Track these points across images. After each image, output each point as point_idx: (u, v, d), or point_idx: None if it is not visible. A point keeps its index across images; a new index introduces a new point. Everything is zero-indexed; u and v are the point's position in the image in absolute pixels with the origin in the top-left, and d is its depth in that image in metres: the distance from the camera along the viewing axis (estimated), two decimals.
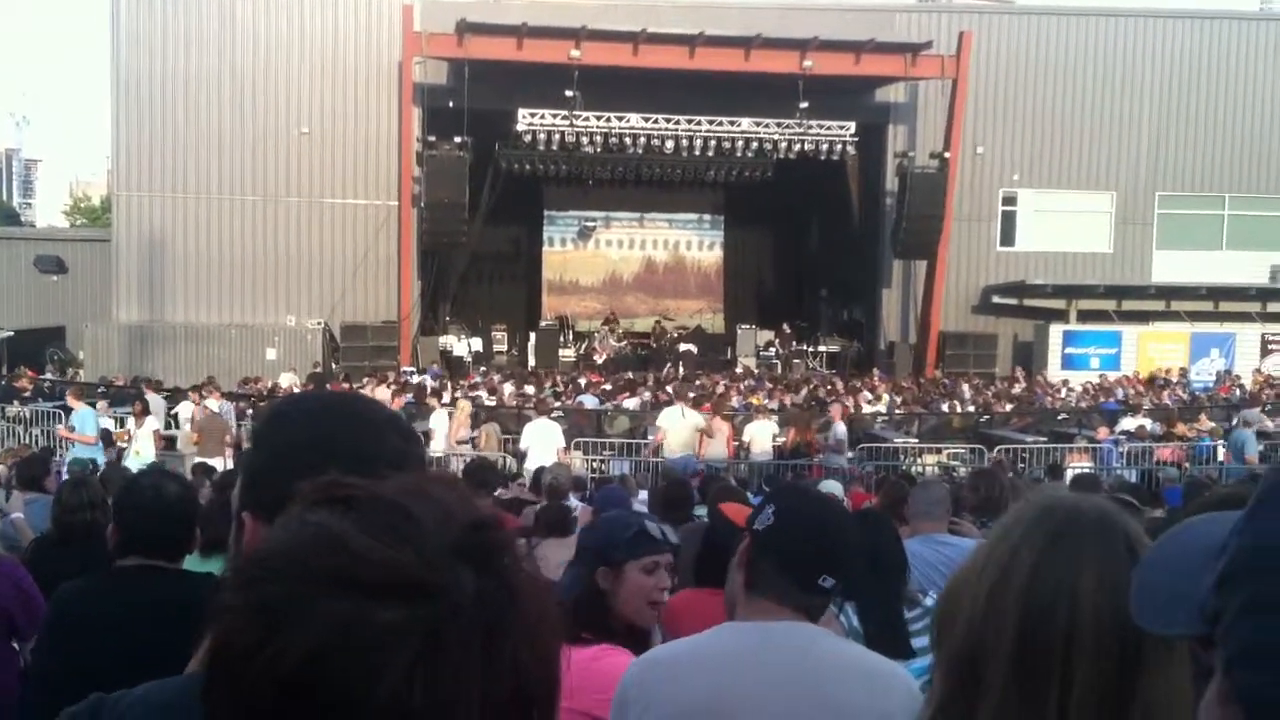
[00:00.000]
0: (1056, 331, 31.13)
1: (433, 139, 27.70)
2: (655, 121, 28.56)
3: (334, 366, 28.67)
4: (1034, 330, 31.91)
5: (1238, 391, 26.53)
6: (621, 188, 33.71)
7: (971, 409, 23.97)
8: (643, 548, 3.04)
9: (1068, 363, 30.58)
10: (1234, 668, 0.80)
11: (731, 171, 31.17)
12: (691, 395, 18.82)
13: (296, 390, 20.22)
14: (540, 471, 10.89)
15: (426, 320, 30.49)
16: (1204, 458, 18.67)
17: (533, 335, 32.16)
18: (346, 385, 22.85)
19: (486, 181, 29.72)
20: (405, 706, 0.78)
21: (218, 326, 29.27)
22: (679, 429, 16.57)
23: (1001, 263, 32.33)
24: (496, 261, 35.86)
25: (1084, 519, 1.29)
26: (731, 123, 28.79)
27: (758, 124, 28.76)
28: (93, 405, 16.82)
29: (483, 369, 29.40)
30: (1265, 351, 30.98)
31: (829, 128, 28.72)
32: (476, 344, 31.11)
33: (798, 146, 28.86)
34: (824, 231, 35.47)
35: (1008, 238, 32.58)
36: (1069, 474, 14.23)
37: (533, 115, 27.86)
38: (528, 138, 28.20)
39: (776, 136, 28.76)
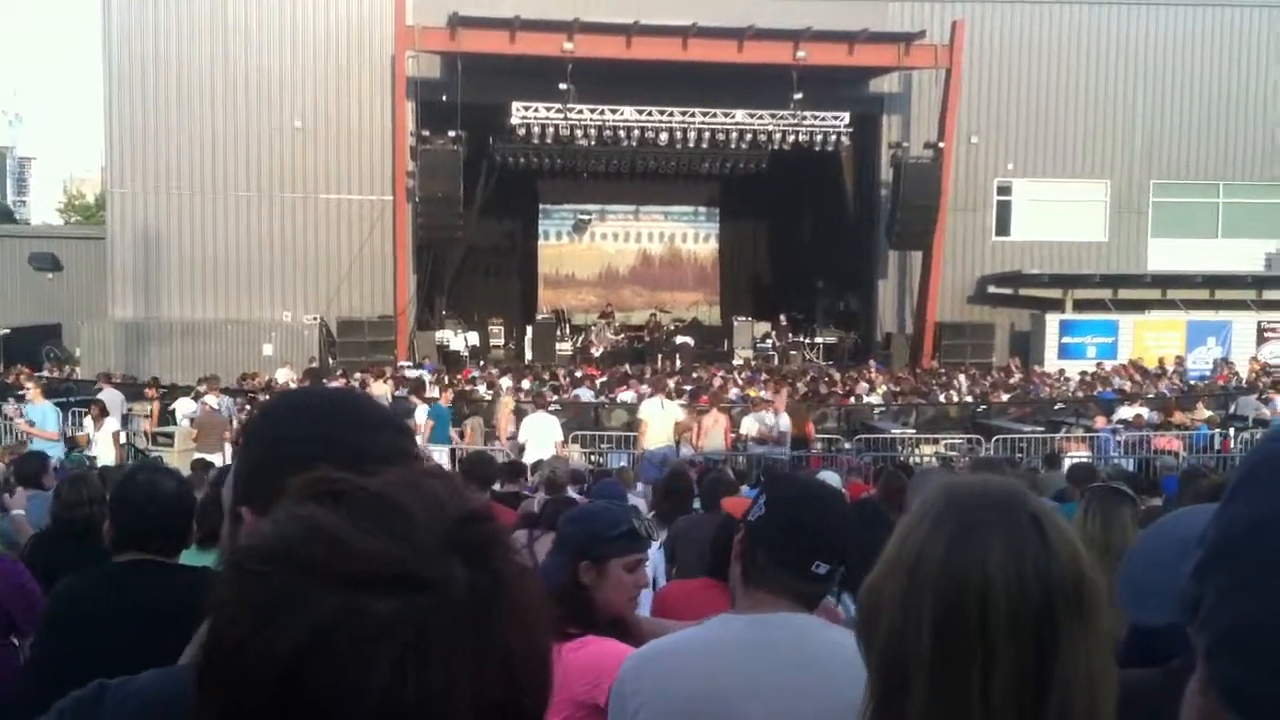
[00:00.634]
0: (1053, 321, 31.13)
1: (426, 133, 27.68)
2: (649, 114, 28.51)
3: (330, 362, 28.61)
4: (1030, 320, 31.92)
5: (1234, 380, 26.55)
6: (616, 180, 33.68)
7: (969, 399, 23.98)
8: (629, 546, 3.03)
9: (1064, 352, 30.58)
10: (1211, 655, 0.80)
11: (726, 163, 31.15)
12: (688, 387, 18.81)
13: (293, 386, 20.23)
14: (539, 465, 10.91)
15: (423, 315, 30.45)
16: (1201, 446, 18.68)
17: (529, 329, 32.13)
18: (344, 381, 22.83)
19: (481, 175, 29.69)
20: (397, 698, 0.78)
21: (214, 323, 29.23)
22: (660, 420, 16.54)
23: (997, 252, 32.32)
24: (492, 255, 35.81)
25: (987, 501, 1.27)
26: (725, 114, 28.74)
27: (751, 115, 28.72)
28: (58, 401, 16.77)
29: (481, 363, 29.40)
30: (1261, 339, 30.98)
31: (823, 118, 28.68)
32: (473, 338, 31.08)
33: (792, 138, 28.83)
34: (819, 223, 35.44)
35: (1003, 227, 32.56)
36: (1066, 463, 14.24)
37: (526, 108, 27.82)
38: (521, 131, 28.15)
39: (770, 128, 28.72)
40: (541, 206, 36.18)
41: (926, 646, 1.22)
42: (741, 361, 30.37)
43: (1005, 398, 24.09)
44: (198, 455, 15.13)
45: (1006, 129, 31.90)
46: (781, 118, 28.50)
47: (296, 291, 29.91)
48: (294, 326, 29.55)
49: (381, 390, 20.30)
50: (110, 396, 18.19)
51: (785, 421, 17.15)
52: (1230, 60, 32.62)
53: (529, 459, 14.50)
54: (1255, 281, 32.25)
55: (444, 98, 27.29)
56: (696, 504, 7.94)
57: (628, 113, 28.39)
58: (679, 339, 31.59)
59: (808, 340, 32.68)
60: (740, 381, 24.54)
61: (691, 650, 2.39)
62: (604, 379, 24.85)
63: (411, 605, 0.81)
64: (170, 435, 17.68)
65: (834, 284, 34.83)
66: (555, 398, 21.37)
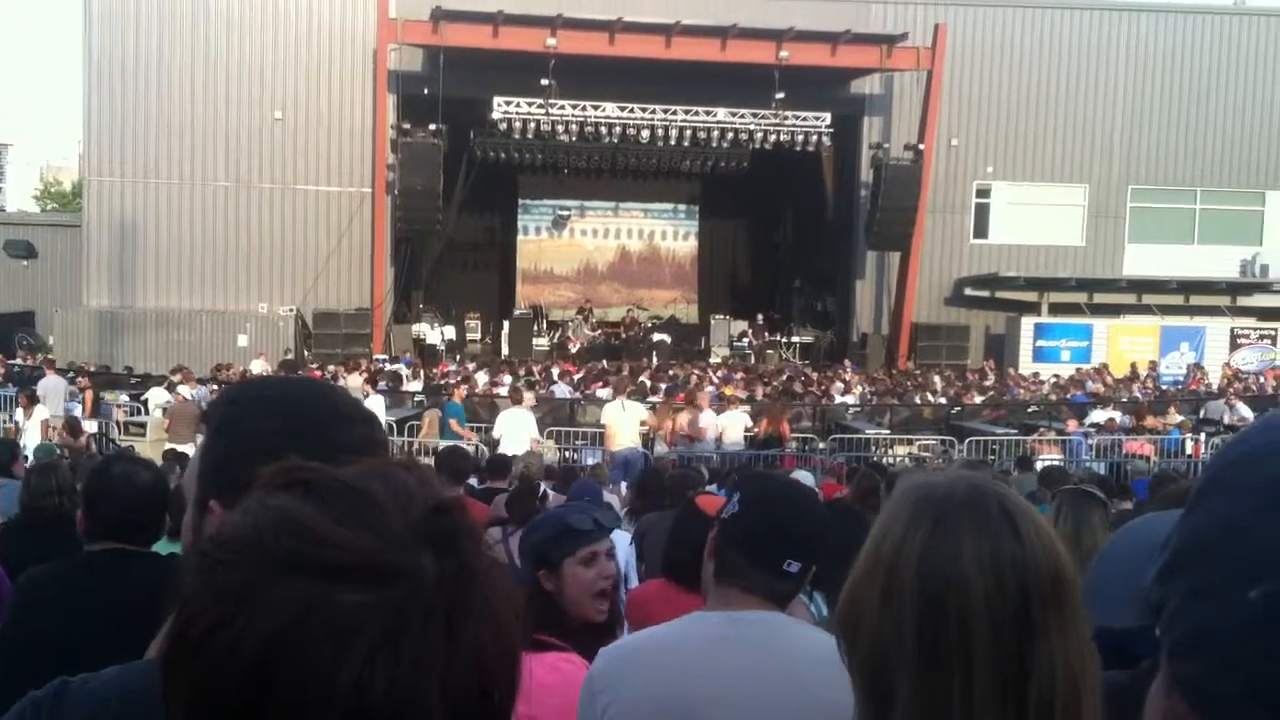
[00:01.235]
0: (1028, 324, 31.27)
1: (407, 126, 27.61)
2: (631, 111, 28.51)
3: (306, 354, 28.53)
4: (1006, 323, 32.08)
5: (1203, 387, 26.73)
6: (596, 177, 33.68)
7: (943, 401, 24.07)
8: (573, 543, 3.02)
9: (1039, 355, 30.74)
10: (1175, 656, 0.81)
11: (707, 162, 31.17)
12: (664, 385, 18.79)
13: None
14: (513, 460, 10.88)
15: (400, 308, 30.39)
16: (1172, 451, 18.82)
17: (506, 324, 32.05)
18: (319, 373, 22.74)
19: (461, 169, 29.62)
20: (367, 691, 0.78)
21: (189, 313, 29.09)
22: (622, 422, 16.51)
23: (974, 255, 32.46)
24: (470, 250, 35.78)
25: (956, 497, 1.27)
26: (707, 113, 28.76)
27: (733, 114, 28.74)
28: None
29: (457, 357, 29.34)
30: (1234, 345, 31.21)
31: (804, 119, 28.73)
32: (450, 332, 31.00)
33: (773, 137, 28.87)
34: (798, 222, 35.53)
35: (981, 230, 32.70)
36: (1039, 465, 14.31)
37: (508, 103, 27.77)
38: (503, 126, 28.11)
39: (752, 127, 28.75)
40: (521, 201, 36.16)
41: (909, 648, 1.21)
42: (718, 360, 30.40)
43: (979, 400, 24.18)
44: (169, 446, 15.04)
45: (986, 132, 32.04)
46: (763, 117, 28.54)
47: (273, 283, 29.80)
48: (270, 318, 29.44)
49: (355, 383, 20.20)
50: (52, 384, 18.00)
51: (709, 418, 17.12)
52: (1208, 68, 32.83)
53: (501, 452, 14.46)
54: (1229, 288, 32.51)
55: (425, 91, 27.23)
56: None
57: (609, 109, 28.38)
58: (656, 336, 31.60)
59: (784, 339, 32.74)
60: (716, 380, 24.56)
61: (662, 648, 2.38)
62: (580, 375, 24.84)
63: (382, 596, 0.80)
64: (143, 425, 17.57)
65: (812, 283, 34.91)
66: (531, 392, 21.33)
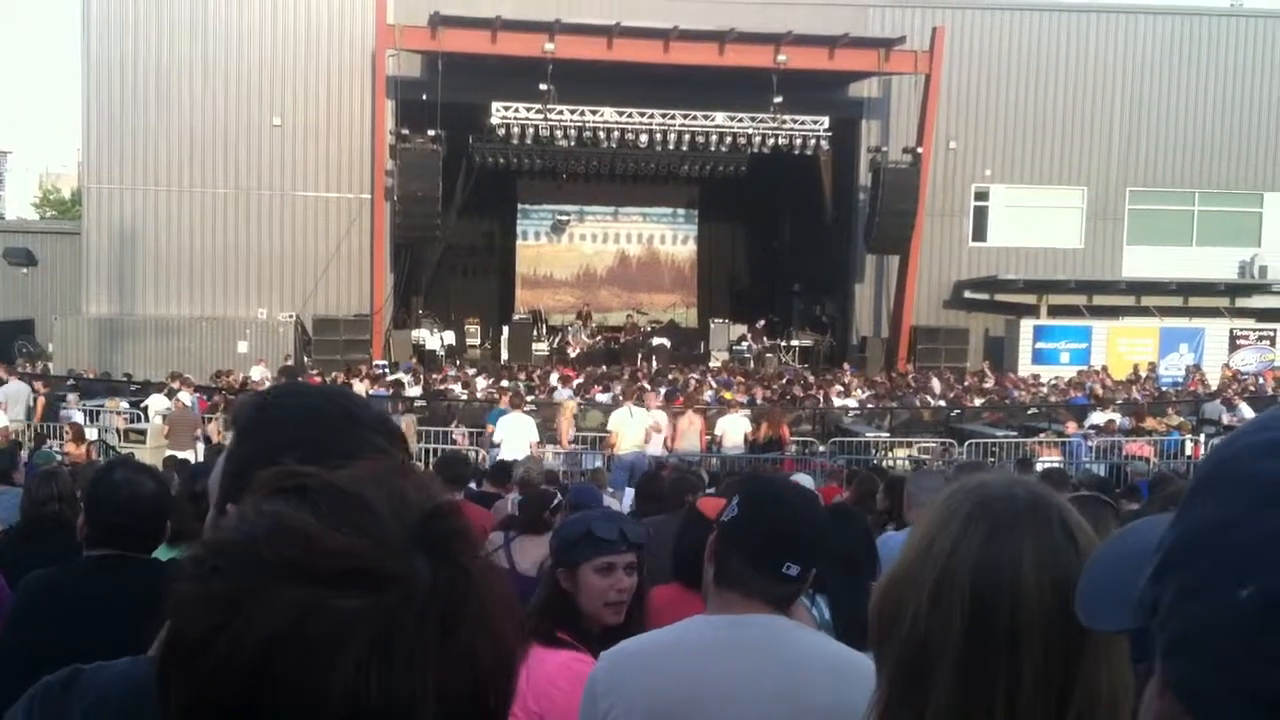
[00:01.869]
0: (1027, 326, 31.24)
1: (406, 132, 27.59)
2: (629, 115, 28.51)
3: (306, 360, 28.50)
4: (1005, 325, 32.06)
5: (1201, 388, 26.71)
6: (595, 182, 33.69)
7: (943, 403, 24.05)
8: (593, 550, 3.03)
9: (1038, 357, 30.70)
10: (1169, 655, 0.81)
11: (705, 166, 31.17)
12: (664, 389, 18.77)
13: (269, 383, 20.11)
14: (513, 465, 10.88)
15: (399, 314, 30.38)
16: (1172, 452, 18.81)
17: (506, 329, 32.02)
18: (320, 379, 22.73)
19: (460, 175, 29.62)
20: (361, 696, 0.78)
21: (188, 319, 29.08)
22: (630, 428, 16.50)
23: (973, 258, 32.45)
24: (470, 255, 35.77)
25: (1018, 504, 1.27)
26: (706, 117, 28.76)
27: (732, 118, 28.74)
28: None
29: (457, 363, 29.31)
30: (1233, 347, 31.19)
31: (803, 122, 28.73)
32: (449, 338, 30.99)
33: (771, 141, 28.86)
34: (797, 226, 35.50)
35: (980, 233, 32.70)
36: (1039, 468, 14.30)
37: (506, 109, 27.77)
38: (501, 131, 28.10)
39: (750, 131, 28.75)
40: (520, 206, 36.15)
41: (956, 646, 1.21)
42: (718, 364, 30.38)
43: (979, 402, 24.17)
44: (169, 452, 15.05)
45: (985, 135, 32.04)
46: (761, 121, 28.54)
47: (272, 289, 29.80)
48: (269, 324, 29.43)
49: (359, 389, 20.20)
50: (13, 390, 17.90)
51: (661, 419, 17.02)
52: (1207, 69, 32.83)
53: (503, 458, 14.45)
54: (1228, 289, 32.51)
55: (424, 97, 27.21)
56: None
57: (608, 114, 28.38)
58: (655, 341, 31.57)
59: (784, 343, 32.72)
60: (715, 385, 24.54)
61: (664, 651, 2.38)
62: (580, 380, 24.82)
63: (376, 602, 0.80)
64: (143, 432, 17.57)
65: (811, 287, 34.90)
66: (531, 397, 21.33)
